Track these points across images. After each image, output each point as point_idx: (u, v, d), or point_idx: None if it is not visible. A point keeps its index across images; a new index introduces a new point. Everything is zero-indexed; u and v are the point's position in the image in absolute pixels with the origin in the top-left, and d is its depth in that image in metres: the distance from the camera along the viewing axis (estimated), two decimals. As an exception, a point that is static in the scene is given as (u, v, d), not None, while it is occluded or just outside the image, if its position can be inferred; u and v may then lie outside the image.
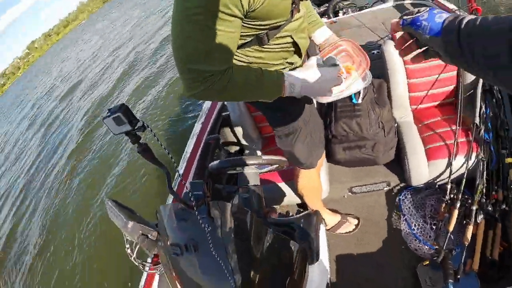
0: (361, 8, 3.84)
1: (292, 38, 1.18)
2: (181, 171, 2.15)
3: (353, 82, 1.19)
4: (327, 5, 3.79)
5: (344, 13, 3.82)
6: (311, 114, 1.45)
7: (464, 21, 0.58)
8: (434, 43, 0.66)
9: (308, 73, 1.06)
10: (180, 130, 5.73)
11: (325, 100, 1.21)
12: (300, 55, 1.28)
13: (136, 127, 0.90)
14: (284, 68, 1.25)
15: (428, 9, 0.68)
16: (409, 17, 0.70)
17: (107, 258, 4.21)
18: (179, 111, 6.51)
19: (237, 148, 2.61)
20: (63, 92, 15.94)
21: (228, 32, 0.90)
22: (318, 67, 1.06)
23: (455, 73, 2.02)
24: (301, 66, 1.35)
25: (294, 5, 1.07)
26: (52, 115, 13.51)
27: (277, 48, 1.17)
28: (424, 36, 0.66)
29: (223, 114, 2.62)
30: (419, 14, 0.68)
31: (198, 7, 0.84)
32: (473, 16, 0.58)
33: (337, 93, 1.17)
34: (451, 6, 2.83)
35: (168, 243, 1.07)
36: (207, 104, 2.66)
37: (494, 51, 0.53)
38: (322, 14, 3.80)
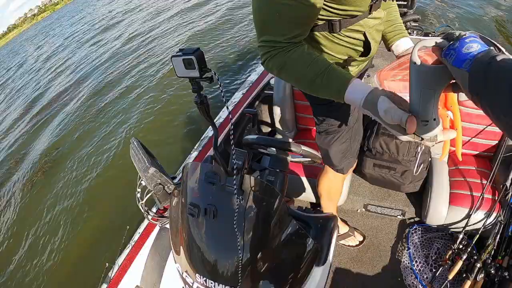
0: (426, 34, 3.78)
1: (365, 37, 1.13)
2: (209, 134, 2.14)
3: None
4: None
5: (409, 34, 3.74)
6: (357, 121, 1.42)
7: (498, 58, 0.53)
8: (457, 74, 0.61)
9: (379, 108, 0.76)
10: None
11: None
12: (365, 56, 1.21)
13: (204, 76, 0.87)
14: (345, 66, 1.21)
15: (465, 34, 0.62)
16: (446, 44, 0.64)
17: (113, 195, 4.31)
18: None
19: (269, 129, 2.60)
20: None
21: (300, 3, 0.87)
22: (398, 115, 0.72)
23: None
24: (363, 70, 1.33)
25: (374, 0, 1.04)
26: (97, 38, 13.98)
27: (346, 42, 1.12)
28: (449, 64, 0.62)
29: (266, 91, 2.60)
30: (451, 43, 0.63)
31: None
32: (509, 56, 0.54)
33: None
34: None
35: (187, 201, 1.06)
36: (252, 77, 2.65)
37: None
38: None
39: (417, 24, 3.81)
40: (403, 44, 1.28)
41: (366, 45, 1.15)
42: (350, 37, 1.11)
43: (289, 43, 0.91)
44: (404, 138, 0.76)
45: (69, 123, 7.12)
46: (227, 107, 0.89)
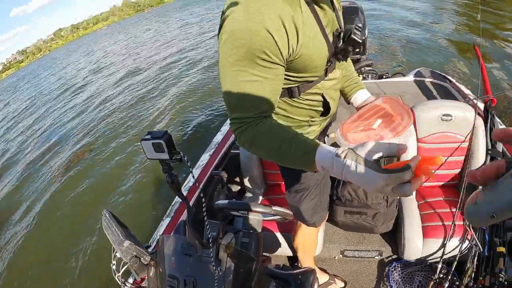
0: (380, 77, 3.97)
1: (323, 98, 1.18)
2: (180, 199, 2.12)
3: None
4: None
5: (364, 78, 3.92)
6: (324, 176, 1.48)
7: None
8: None
9: (353, 167, 0.74)
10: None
11: None
12: (325, 116, 1.27)
13: (173, 158, 0.90)
14: (308, 126, 1.27)
15: None
16: None
17: (88, 266, 4.14)
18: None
19: (239, 187, 2.61)
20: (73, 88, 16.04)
21: (264, 78, 0.91)
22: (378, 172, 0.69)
23: (462, 158, 2.09)
24: (325, 127, 1.39)
25: (329, 64, 1.10)
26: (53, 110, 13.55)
27: (306, 105, 1.18)
28: None
29: (232, 151, 2.63)
30: None
31: (235, 54, 0.88)
32: None
33: None
34: (466, 91, 2.96)
35: (166, 274, 1.07)
36: (217, 138, 2.69)
37: None
38: None
39: (371, 68, 3.99)
40: (360, 96, 1.35)
41: (325, 105, 1.21)
42: (309, 100, 1.17)
43: (257, 117, 0.94)
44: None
45: (35, 190, 6.86)
46: (197, 184, 0.93)
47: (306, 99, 1.17)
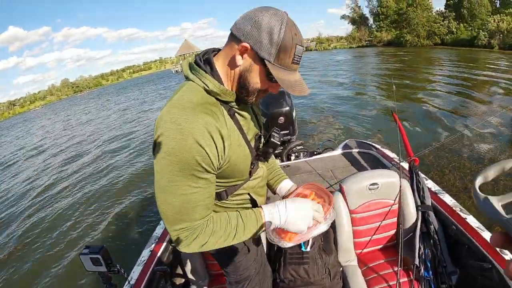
0: (311, 154, 4.18)
1: (250, 196, 1.26)
2: None
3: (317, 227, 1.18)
4: (282, 148, 4.02)
5: (296, 157, 4.14)
6: (262, 264, 1.53)
7: None
8: None
9: (290, 209, 1.11)
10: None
11: (289, 244, 1.15)
12: None
13: (110, 270, 0.96)
14: None
15: None
16: None
17: None
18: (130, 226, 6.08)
19: (183, 280, 2.55)
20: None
21: (201, 187, 0.99)
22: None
23: (395, 219, 2.23)
24: None
25: (253, 166, 1.21)
26: None
27: (234, 204, 1.25)
28: None
29: (173, 244, 2.54)
30: None
31: (173, 170, 0.94)
32: None
33: (302, 236, 1.17)
34: (392, 155, 3.21)
35: None
36: (158, 231, 2.63)
37: None
38: (276, 156, 3.87)
39: (302, 147, 4.19)
40: (285, 185, 1.48)
41: (253, 202, 1.30)
42: (237, 200, 1.26)
43: (202, 223, 1.03)
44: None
45: None
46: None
47: (234, 200, 1.25)
